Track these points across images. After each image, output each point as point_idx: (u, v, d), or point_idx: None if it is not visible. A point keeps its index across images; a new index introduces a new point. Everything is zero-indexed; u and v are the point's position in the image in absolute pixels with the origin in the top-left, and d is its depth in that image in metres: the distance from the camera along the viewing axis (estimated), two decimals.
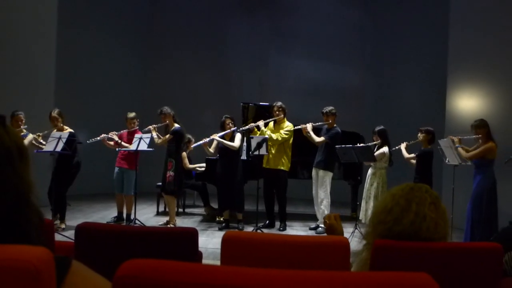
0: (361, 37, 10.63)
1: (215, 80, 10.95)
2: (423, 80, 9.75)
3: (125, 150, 6.61)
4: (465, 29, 7.66)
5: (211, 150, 6.72)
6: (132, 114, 6.79)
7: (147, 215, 7.60)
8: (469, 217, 5.57)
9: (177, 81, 10.78)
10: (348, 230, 6.60)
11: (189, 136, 7.39)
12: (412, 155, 6.35)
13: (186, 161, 7.38)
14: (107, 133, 6.59)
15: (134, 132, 6.71)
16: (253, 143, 6.09)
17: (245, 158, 6.97)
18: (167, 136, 6.47)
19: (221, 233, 2.79)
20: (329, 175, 6.65)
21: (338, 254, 2.09)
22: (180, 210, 7.88)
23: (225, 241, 2.09)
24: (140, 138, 6.27)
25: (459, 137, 5.78)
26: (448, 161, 5.84)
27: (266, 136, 6.40)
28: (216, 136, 6.53)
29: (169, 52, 10.89)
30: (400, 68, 10.05)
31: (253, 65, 10.87)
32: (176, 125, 6.52)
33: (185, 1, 11.14)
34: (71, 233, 5.21)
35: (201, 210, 8.10)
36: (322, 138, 6.62)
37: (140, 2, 10.97)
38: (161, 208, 7.84)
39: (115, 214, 6.97)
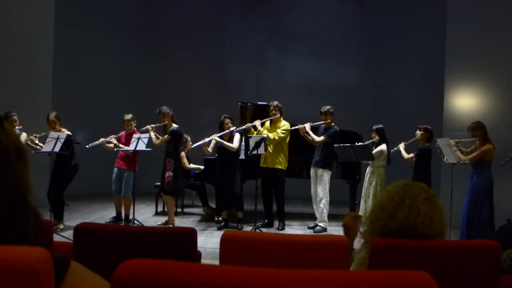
0: (359, 36, 10.63)
1: (213, 79, 10.94)
2: (421, 79, 9.77)
3: (125, 151, 6.60)
4: (462, 28, 7.66)
5: (210, 150, 6.72)
6: (129, 116, 6.78)
7: (146, 215, 7.60)
8: (464, 216, 5.59)
9: (175, 80, 10.76)
10: None
11: (186, 135, 7.39)
12: (412, 155, 6.34)
13: (185, 160, 7.38)
14: (106, 135, 6.58)
15: (132, 133, 6.70)
16: (252, 143, 6.09)
17: (244, 157, 6.97)
18: (166, 136, 6.46)
19: (220, 233, 2.79)
20: (328, 173, 6.65)
21: (337, 253, 2.09)
22: (179, 210, 7.88)
23: (224, 241, 2.09)
24: (138, 138, 6.25)
25: (456, 140, 5.81)
26: (446, 160, 5.85)
27: (265, 135, 6.40)
28: (216, 136, 6.53)
29: (167, 52, 10.88)
30: (397, 67, 10.05)
31: (251, 64, 10.86)
32: (175, 125, 6.51)
33: (183, 1, 11.12)
34: (69, 234, 5.20)
35: (199, 210, 8.10)
36: (321, 138, 6.62)
37: (138, 2, 10.95)
38: (160, 208, 7.83)
39: (114, 214, 6.97)
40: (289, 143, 6.77)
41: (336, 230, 6.69)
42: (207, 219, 7.44)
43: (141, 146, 6.24)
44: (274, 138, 6.56)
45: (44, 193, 6.12)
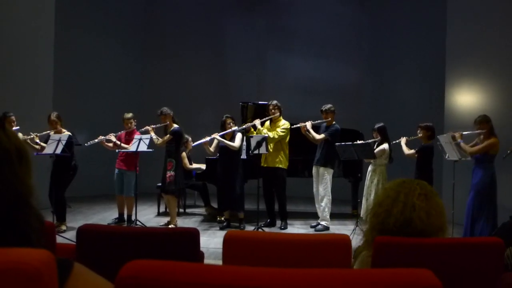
0: (359, 35, 10.62)
1: (213, 79, 10.94)
2: (421, 77, 9.74)
3: (124, 152, 6.60)
4: (463, 25, 7.65)
5: (212, 149, 6.72)
6: (129, 115, 6.78)
7: (148, 216, 7.60)
8: (469, 213, 5.56)
9: (175, 80, 10.76)
10: (349, 228, 6.61)
11: (186, 136, 7.39)
12: (412, 151, 6.35)
13: (186, 161, 7.38)
14: (106, 135, 6.58)
15: (132, 132, 6.70)
16: (253, 142, 6.09)
17: (245, 157, 6.97)
18: (167, 136, 6.47)
19: (222, 233, 2.79)
20: (330, 172, 6.65)
21: (339, 252, 2.09)
22: (181, 210, 7.88)
23: (226, 241, 2.09)
24: (140, 139, 6.25)
25: (461, 132, 5.76)
26: (448, 157, 5.83)
27: (266, 135, 6.40)
28: (217, 136, 6.53)
29: (167, 52, 10.88)
30: (398, 65, 10.03)
31: (251, 64, 10.86)
32: (175, 126, 6.52)
33: (184, 1, 11.12)
34: (72, 235, 5.21)
35: (202, 210, 8.10)
36: (322, 136, 6.62)
37: (138, 2, 10.96)
38: (162, 209, 7.84)
39: (116, 215, 6.97)
40: (291, 142, 6.77)
41: (338, 228, 6.68)
42: (209, 219, 7.44)
43: (143, 147, 6.24)
44: (273, 137, 6.56)
45: (45, 195, 6.13)
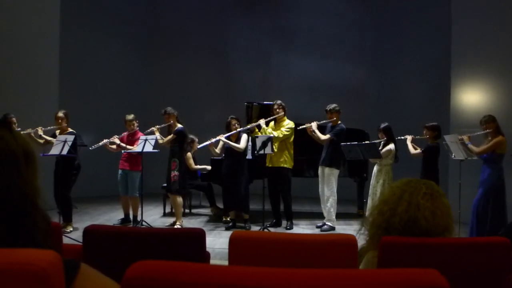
0: (363, 34, 10.59)
1: (217, 79, 10.95)
2: (426, 76, 9.69)
3: (129, 152, 6.61)
4: (467, 23, 7.60)
5: (217, 150, 6.72)
6: (130, 116, 6.80)
7: (154, 216, 7.62)
8: (474, 212, 5.53)
9: (179, 81, 10.78)
10: (354, 228, 6.60)
11: (192, 136, 7.40)
12: (418, 150, 6.32)
13: (191, 161, 7.39)
14: (109, 134, 6.60)
15: (134, 133, 6.72)
16: (258, 143, 6.09)
17: (251, 157, 6.97)
18: (170, 136, 6.48)
19: (228, 233, 2.79)
20: (335, 172, 6.63)
21: (345, 252, 2.09)
22: (187, 210, 7.90)
23: (232, 241, 2.09)
24: (145, 140, 6.26)
25: (469, 135, 5.74)
26: (454, 156, 5.81)
27: (271, 135, 6.40)
28: (223, 137, 6.53)
29: (171, 53, 10.90)
30: (402, 64, 10.00)
31: (255, 64, 10.85)
32: (179, 125, 6.54)
33: (186, 1, 11.15)
34: (78, 236, 5.22)
35: (207, 211, 8.11)
36: (327, 136, 6.61)
37: (142, 2, 10.98)
38: (168, 209, 7.85)
39: (122, 216, 6.99)
40: (296, 142, 6.76)
41: (344, 228, 6.67)
42: (215, 219, 7.45)
43: (148, 148, 6.25)
44: (278, 136, 6.56)
45: (51, 196, 6.15)
